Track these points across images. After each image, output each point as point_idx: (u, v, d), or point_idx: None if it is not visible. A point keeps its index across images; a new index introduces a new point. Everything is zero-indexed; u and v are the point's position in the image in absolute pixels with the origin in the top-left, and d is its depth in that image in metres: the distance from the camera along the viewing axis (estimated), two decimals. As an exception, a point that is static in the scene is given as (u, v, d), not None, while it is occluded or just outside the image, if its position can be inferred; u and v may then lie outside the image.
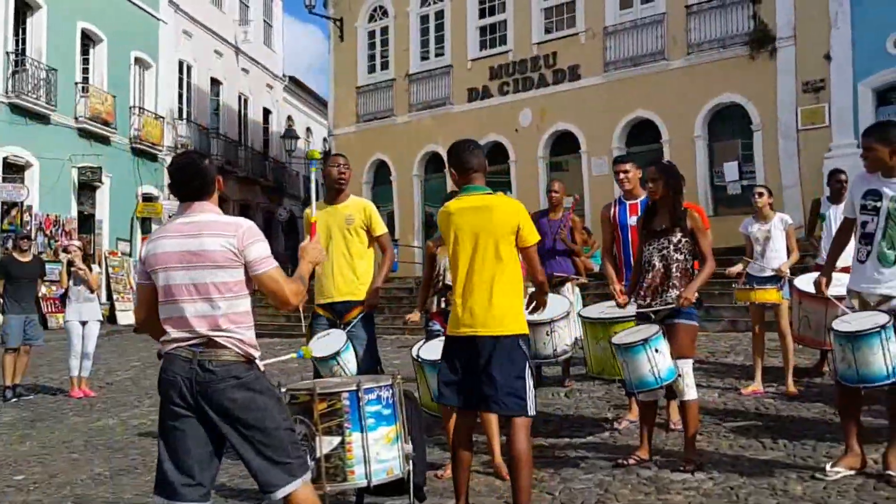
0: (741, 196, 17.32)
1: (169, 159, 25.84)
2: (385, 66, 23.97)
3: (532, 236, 4.27)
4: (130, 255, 24.12)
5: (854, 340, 4.52)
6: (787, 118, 16.83)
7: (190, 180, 3.47)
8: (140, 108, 25.01)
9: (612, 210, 6.57)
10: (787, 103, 16.86)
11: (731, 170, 17.66)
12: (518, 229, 4.22)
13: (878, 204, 4.72)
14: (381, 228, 5.82)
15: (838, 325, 4.68)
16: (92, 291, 10.18)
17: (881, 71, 15.70)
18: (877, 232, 4.71)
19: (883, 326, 4.46)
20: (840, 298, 5.14)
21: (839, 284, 5.27)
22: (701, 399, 5.92)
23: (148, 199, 25.23)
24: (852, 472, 4.71)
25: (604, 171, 19.20)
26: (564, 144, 20.33)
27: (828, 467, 4.77)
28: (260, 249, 3.38)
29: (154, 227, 25.21)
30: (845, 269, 5.33)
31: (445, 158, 4.51)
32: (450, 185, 4.62)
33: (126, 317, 21.68)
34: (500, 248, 4.19)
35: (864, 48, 15.81)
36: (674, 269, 5.26)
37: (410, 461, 3.93)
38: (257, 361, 3.42)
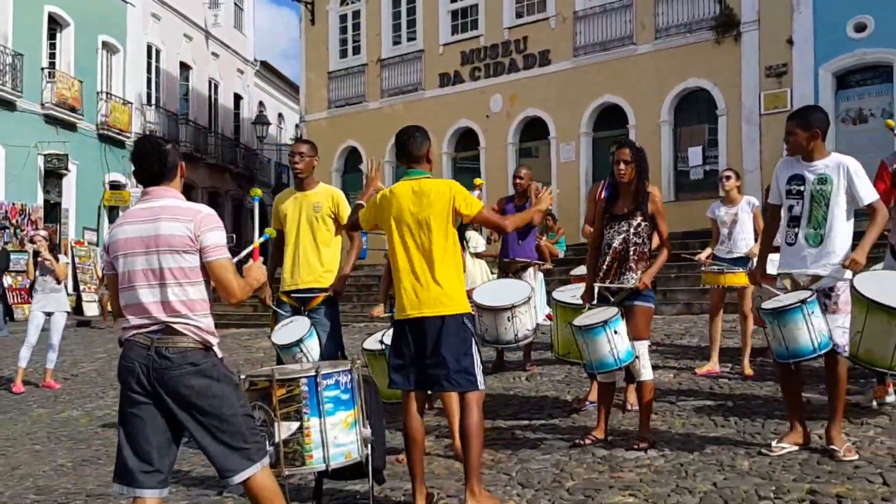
0: (704, 181, 17.65)
1: (136, 145, 25.69)
2: (357, 50, 23.96)
3: (473, 204, 4.42)
4: (97, 244, 23.94)
5: (779, 317, 4.72)
6: (750, 103, 17.11)
7: (149, 164, 3.51)
8: (107, 93, 24.81)
9: (600, 189, 6.72)
10: (751, 88, 17.15)
11: (695, 155, 17.94)
12: (453, 204, 4.35)
13: (802, 188, 4.93)
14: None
15: (767, 303, 4.90)
16: (59, 282, 10.16)
17: (841, 55, 16.03)
18: (803, 214, 4.92)
19: (804, 301, 4.66)
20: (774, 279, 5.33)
21: (773, 265, 5.48)
22: (656, 379, 6.11)
23: (115, 187, 25.00)
24: (796, 448, 4.91)
25: (571, 158, 19.42)
26: (534, 130, 20.51)
27: (773, 444, 4.96)
28: (215, 237, 3.42)
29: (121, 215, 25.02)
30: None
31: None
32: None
33: (92, 308, 21.60)
34: (437, 229, 4.34)
35: (825, 33, 16.11)
36: (632, 252, 5.44)
37: (369, 445, 4.03)
38: (215, 348, 3.48)
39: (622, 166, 5.44)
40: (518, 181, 8.14)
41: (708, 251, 7.77)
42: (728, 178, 7.65)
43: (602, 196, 6.62)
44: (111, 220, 24.71)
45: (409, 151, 4.51)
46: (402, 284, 4.39)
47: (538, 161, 19.83)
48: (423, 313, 4.31)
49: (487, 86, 21.11)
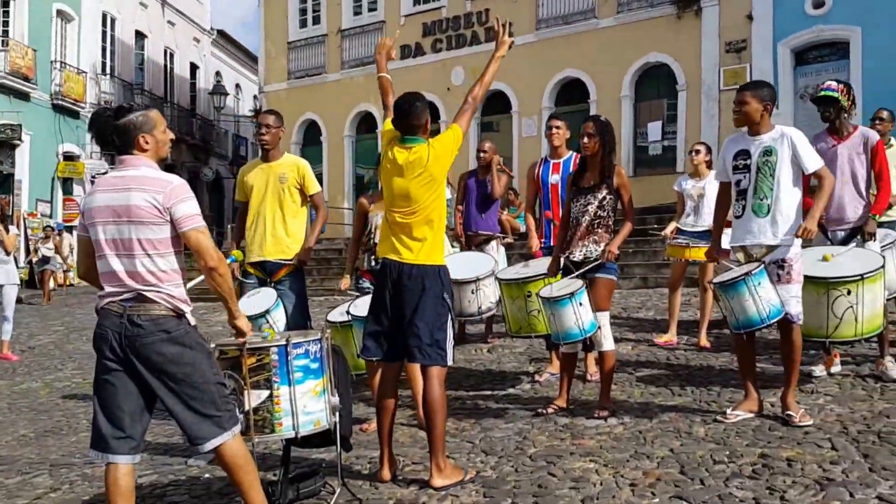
0: (662, 157, 17.91)
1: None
2: (317, 20, 23.71)
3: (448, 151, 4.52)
4: (51, 216, 23.59)
5: (727, 290, 4.92)
6: (710, 78, 17.31)
7: (109, 138, 3.51)
8: (62, 62, 24.34)
9: (537, 169, 6.84)
10: (711, 63, 17.34)
11: (654, 130, 18.16)
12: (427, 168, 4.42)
13: (748, 161, 5.08)
14: (314, 187, 5.89)
15: (716, 278, 5.08)
16: (7, 254, 10.06)
17: (799, 31, 16.25)
18: (749, 187, 5.07)
19: (748, 274, 4.84)
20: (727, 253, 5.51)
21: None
22: (615, 351, 6.27)
23: (69, 158, 24.60)
24: (750, 415, 5.10)
25: (533, 133, 19.51)
26: (496, 104, 20.52)
27: (728, 411, 5.15)
28: (187, 207, 3.43)
29: (76, 187, 24.70)
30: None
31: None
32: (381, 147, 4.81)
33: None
34: (424, 189, 4.41)
35: (785, 9, 16.34)
36: (597, 225, 5.57)
37: (337, 413, 4.10)
38: (188, 316, 3.52)
39: (586, 139, 5.55)
40: (482, 155, 8.24)
41: (673, 225, 7.89)
42: (698, 151, 7.78)
43: (539, 174, 6.76)
44: (65, 192, 24.39)
45: (406, 115, 4.50)
46: (387, 230, 4.52)
47: (500, 135, 19.89)
48: (403, 259, 4.40)
49: (449, 58, 21.07)
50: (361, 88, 22.21)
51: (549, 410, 5.62)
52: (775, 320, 4.90)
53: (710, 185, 7.54)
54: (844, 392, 5.61)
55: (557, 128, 6.79)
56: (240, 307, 3.78)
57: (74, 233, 23.56)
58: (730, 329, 5.28)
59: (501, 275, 6.68)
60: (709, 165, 7.75)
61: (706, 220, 7.54)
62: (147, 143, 3.52)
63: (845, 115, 5.92)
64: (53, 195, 24.21)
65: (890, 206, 6.20)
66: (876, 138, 5.93)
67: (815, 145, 5.84)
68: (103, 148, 3.56)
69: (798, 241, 4.96)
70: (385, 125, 4.69)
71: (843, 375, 5.97)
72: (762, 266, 4.90)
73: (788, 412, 4.97)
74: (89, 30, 25.62)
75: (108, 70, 26.63)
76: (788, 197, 4.99)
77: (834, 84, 5.94)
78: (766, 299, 4.83)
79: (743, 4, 16.88)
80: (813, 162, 5.00)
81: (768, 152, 5.03)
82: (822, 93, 5.93)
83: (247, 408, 3.82)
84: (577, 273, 5.53)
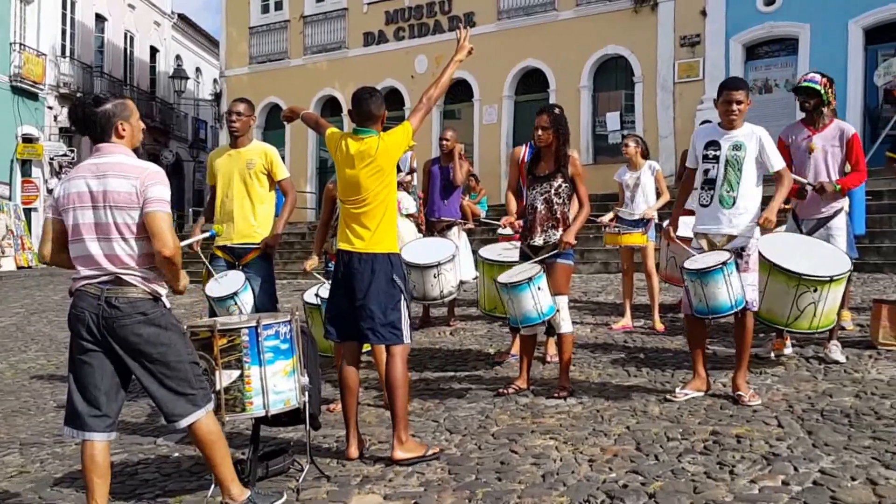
0: (620, 145, 18.02)
1: (51, 98, 24.91)
2: (279, 6, 23.53)
3: (404, 138, 4.61)
4: (10, 198, 23.16)
5: (702, 276, 5.04)
6: (665, 71, 17.57)
7: (84, 127, 3.55)
8: (21, 44, 23.85)
9: (523, 153, 6.89)
10: (666, 56, 17.59)
11: (612, 119, 18.38)
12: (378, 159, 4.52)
13: (718, 153, 5.24)
14: (282, 173, 5.90)
15: (689, 264, 5.21)
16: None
17: (751, 27, 16.57)
18: (717, 177, 5.23)
19: (724, 263, 4.99)
20: (688, 240, 5.65)
21: (688, 227, 5.82)
22: (575, 334, 6.40)
23: (28, 139, 24.15)
24: (699, 394, 5.27)
25: (493, 120, 19.62)
26: (458, 92, 20.57)
27: (677, 390, 5.32)
28: (158, 191, 3.46)
29: (35, 169, 24.32)
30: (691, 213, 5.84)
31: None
32: (346, 128, 4.87)
33: (7, 262, 20.99)
34: (372, 179, 4.51)
35: (737, 6, 16.64)
36: (554, 212, 5.67)
37: (306, 392, 4.16)
38: (164, 299, 3.58)
39: (540, 132, 5.64)
40: (445, 143, 8.32)
41: (611, 214, 8.04)
42: (627, 144, 7.97)
43: (525, 158, 6.83)
44: (24, 174, 23.98)
45: (359, 108, 4.59)
46: (343, 221, 4.62)
47: (461, 123, 19.96)
48: (356, 249, 4.51)
49: (412, 46, 21.06)
50: (324, 74, 22.12)
51: (510, 391, 5.73)
52: (740, 308, 5.07)
53: (643, 176, 7.78)
54: (790, 373, 5.79)
55: (545, 128, 6.79)
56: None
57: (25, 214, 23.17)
58: (683, 312, 5.43)
59: (484, 254, 6.75)
60: (642, 156, 7.91)
61: (640, 209, 7.74)
62: (125, 130, 3.58)
63: (825, 108, 5.97)
64: (12, 177, 23.74)
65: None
66: (852, 131, 6.00)
67: (790, 135, 6.02)
68: (82, 134, 3.58)
69: (757, 232, 5.16)
70: (327, 133, 4.75)
71: (789, 357, 6.17)
72: (732, 256, 5.05)
73: (739, 392, 5.14)
74: (49, 12, 25.14)
75: (67, 52, 26.14)
76: (752, 191, 5.19)
77: (818, 77, 6.00)
78: (735, 288, 5.00)
79: (697, 1, 17.13)
80: (777, 162, 5.22)
81: (738, 147, 5.20)
82: (805, 84, 6.00)
83: (218, 387, 3.86)
84: (536, 259, 5.65)
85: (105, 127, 3.53)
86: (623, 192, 8.00)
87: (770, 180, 5.32)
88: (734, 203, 5.17)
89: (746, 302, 5.09)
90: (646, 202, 7.77)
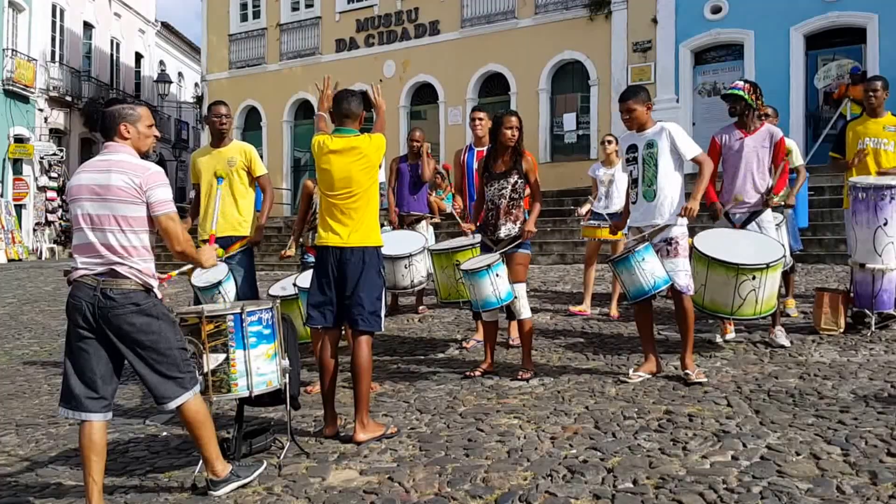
0: (576, 144, 18.21)
1: (41, 101, 24.67)
2: (257, 14, 23.34)
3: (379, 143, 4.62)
4: (2, 195, 22.82)
5: (617, 265, 5.25)
6: (619, 75, 17.61)
7: (94, 124, 3.62)
8: (13, 50, 23.47)
9: (463, 155, 6.93)
10: (620, 61, 17.64)
11: (569, 120, 18.43)
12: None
13: (636, 154, 5.37)
14: (260, 169, 5.94)
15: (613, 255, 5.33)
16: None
17: (699, 34, 16.64)
18: (639, 176, 5.35)
19: (631, 251, 5.12)
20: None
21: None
22: (535, 321, 6.41)
23: (19, 140, 23.83)
24: (650, 376, 5.31)
25: (458, 121, 19.61)
26: (424, 95, 20.55)
27: (630, 372, 5.36)
28: (162, 193, 3.50)
29: (26, 167, 24.07)
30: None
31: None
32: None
33: None
34: (363, 173, 4.51)
35: (686, 13, 16.71)
36: (513, 207, 5.68)
37: (287, 374, 4.16)
38: (155, 290, 3.57)
39: (513, 132, 5.66)
40: (413, 143, 8.29)
41: (587, 206, 8.06)
42: (609, 142, 7.99)
43: (464, 160, 6.87)
44: (15, 172, 23.72)
45: (340, 108, 4.62)
46: (324, 220, 4.58)
47: (427, 123, 19.90)
48: (335, 243, 4.49)
49: (381, 52, 20.96)
50: (299, 78, 21.97)
51: (476, 373, 5.73)
52: (662, 289, 5.17)
53: (618, 173, 7.77)
54: (739, 356, 5.84)
55: (480, 119, 6.91)
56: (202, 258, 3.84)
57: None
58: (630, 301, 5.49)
59: (433, 248, 6.77)
60: (618, 155, 7.90)
61: (616, 204, 7.74)
62: (128, 132, 3.61)
63: (753, 111, 6.03)
64: (4, 175, 23.39)
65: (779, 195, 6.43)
66: (779, 135, 6.05)
67: (724, 135, 6.09)
68: (92, 131, 3.58)
69: (683, 220, 5.23)
70: (314, 138, 4.71)
71: (738, 342, 6.21)
72: (647, 243, 5.14)
73: (686, 371, 5.19)
74: (39, 20, 24.80)
75: (56, 58, 25.75)
76: (670, 183, 5.26)
77: (741, 84, 6.09)
78: (650, 272, 5.09)
79: (648, 8, 17.20)
80: (690, 150, 5.28)
81: (650, 145, 5.30)
82: (730, 90, 6.09)
83: (205, 370, 3.87)
84: (498, 250, 5.65)
85: (110, 126, 3.60)
86: (597, 188, 8.00)
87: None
88: (654, 196, 5.27)
89: (678, 285, 5.17)
90: (620, 197, 7.76)
